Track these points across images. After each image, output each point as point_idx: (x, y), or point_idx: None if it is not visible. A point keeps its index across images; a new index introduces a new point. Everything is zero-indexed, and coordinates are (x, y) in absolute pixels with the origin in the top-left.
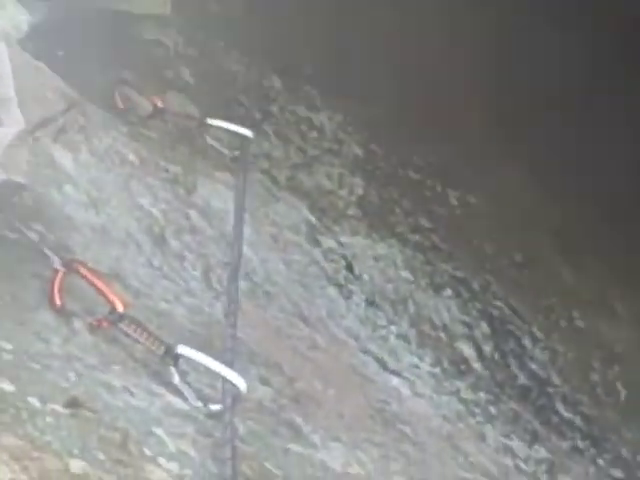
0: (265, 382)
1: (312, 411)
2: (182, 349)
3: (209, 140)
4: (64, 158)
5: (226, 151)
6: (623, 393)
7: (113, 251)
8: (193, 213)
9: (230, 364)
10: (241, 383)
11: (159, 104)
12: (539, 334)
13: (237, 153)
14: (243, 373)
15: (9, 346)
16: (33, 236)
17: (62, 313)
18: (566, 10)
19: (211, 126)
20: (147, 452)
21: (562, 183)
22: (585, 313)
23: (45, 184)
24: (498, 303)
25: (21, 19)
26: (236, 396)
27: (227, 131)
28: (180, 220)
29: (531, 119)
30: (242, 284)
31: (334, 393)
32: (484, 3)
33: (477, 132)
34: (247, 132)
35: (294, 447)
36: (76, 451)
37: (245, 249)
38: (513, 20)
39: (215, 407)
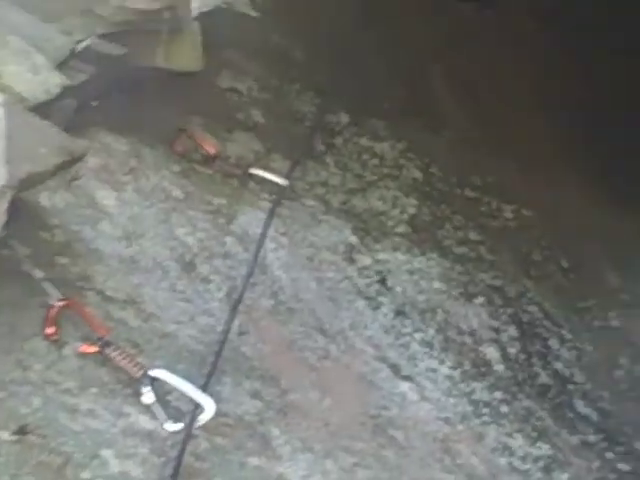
0: (255, 396)
1: (295, 422)
2: (157, 372)
3: (252, 184)
4: (107, 198)
5: (266, 194)
6: None
7: (136, 279)
8: (229, 239)
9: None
10: (209, 403)
11: (212, 151)
12: (568, 335)
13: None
14: (235, 388)
15: None
16: (38, 273)
17: (53, 341)
18: None
19: (254, 174)
20: (85, 475)
21: (611, 195)
22: (622, 314)
23: (80, 222)
24: (531, 308)
25: (55, 83)
26: (194, 415)
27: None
28: (215, 247)
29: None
30: (266, 302)
31: (329, 402)
32: None
33: (535, 148)
34: (283, 181)
35: (253, 461)
36: (6, 478)
37: (276, 270)
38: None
39: (175, 427)
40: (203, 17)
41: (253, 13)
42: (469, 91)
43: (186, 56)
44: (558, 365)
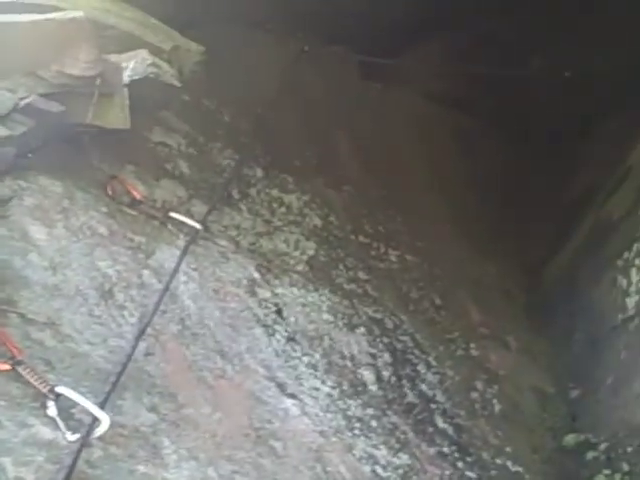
0: (153, 410)
1: (185, 433)
2: (62, 389)
3: (171, 226)
4: (38, 233)
5: (183, 234)
6: (497, 407)
7: (57, 304)
8: (146, 272)
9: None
10: (105, 417)
11: (139, 195)
12: (434, 362)
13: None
14: (135, 402)
15: None
16: None
17: None
18: None
19: (173, 217)
20: None
21: (476, 247)
22: (480, 345)
23: (11, 253)
24: (404, 338)
25: None
26: (91, 427)
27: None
28: (132, 278)
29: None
30: (174, 327)
31: (219, 416)
32: None
33: (419, 205)
34: (197, 225)
35: (142, 468)
36: None
37: (186, 300)
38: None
39: (73, 437)
40: (136, 84)
41: (178, 84)
42: (367, 155)
43: (115, 116)
44: (423, 387)
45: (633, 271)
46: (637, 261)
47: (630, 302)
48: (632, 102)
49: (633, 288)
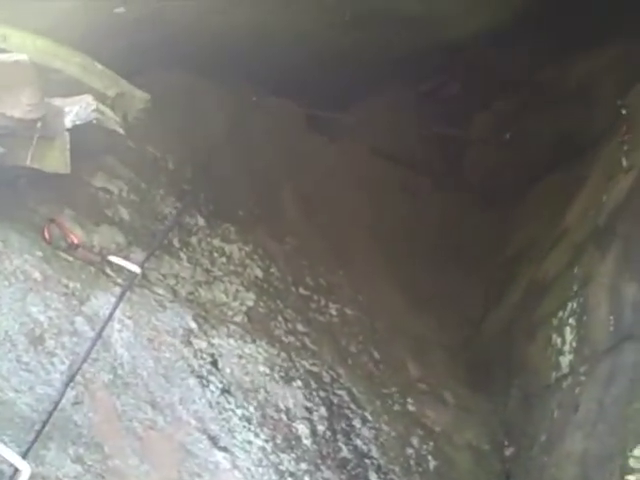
0: (77, 460)
1: None
2: None
3: (109, 270)
4: None
5: (120, 281)
6: (432, 464)
7: None
8: (79, 319)
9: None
10: (25, 467)
11: (76, 240)
12: (370, 417)
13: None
14: (59, 453)
15: None
16: None
17: None
18: None
19: (112, 262)
20: None
21: (416, 301)
22: (417, 400)
23: None
24: (341, 392)
25: None
26: (11, 478)
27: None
28: (64, 325)
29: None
30: (105, 376)
31: (147, 468)
32: None
33: (361, 260)
34: (136, 269)
35: None
36: None
37: (119, 348)
38: None
39: None
40: (79, 129)
41: (121, 131)
42: (311, 207)
43: (55, 160)
44: (358, 442)
45: (567, 330)
46: (571, 320)
47: (564, 361)
48: (566, 165)
49: (567, 347)
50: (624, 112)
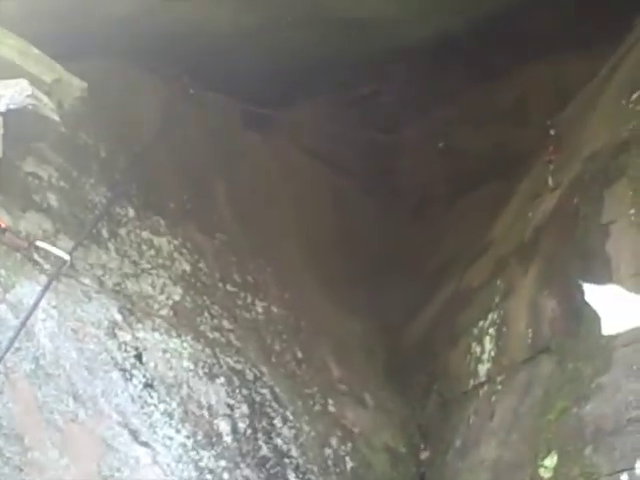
0: None
1: (30, 478)
2: None
3: (36, 257)
4: None
5: (47, 269)
6: (350, 465)
7: None
8: (2, 307)
9: None
10: None
11: (2, 225)
12: (291, 417)
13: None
14: None
15: None
16: None
17: None
18: None
19: (39, 247)
20: None
21: (341, 304)
22: (338, 401)
23: None
24: (263, 390)
25: None
26: None
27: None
28: None
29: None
30: (27, 366)
31: (66, 461)
32: None
33: (290, 259)
34: (65, 255)
35: None
36: None
37: (42, 338)
38: None
39: None
40: (12, 113)
41: (57, 117)
42: (242, 204)
43: None
44: (279, 441)
45: (487, 339)
46: (491, 330)
47: (482, 369)
48: (496, 179)
49: (486, 356)
50: (552, 132)
